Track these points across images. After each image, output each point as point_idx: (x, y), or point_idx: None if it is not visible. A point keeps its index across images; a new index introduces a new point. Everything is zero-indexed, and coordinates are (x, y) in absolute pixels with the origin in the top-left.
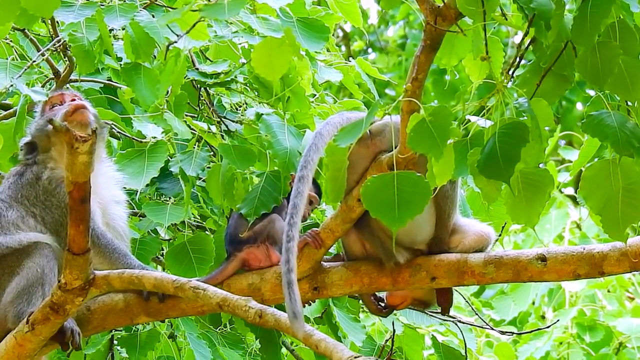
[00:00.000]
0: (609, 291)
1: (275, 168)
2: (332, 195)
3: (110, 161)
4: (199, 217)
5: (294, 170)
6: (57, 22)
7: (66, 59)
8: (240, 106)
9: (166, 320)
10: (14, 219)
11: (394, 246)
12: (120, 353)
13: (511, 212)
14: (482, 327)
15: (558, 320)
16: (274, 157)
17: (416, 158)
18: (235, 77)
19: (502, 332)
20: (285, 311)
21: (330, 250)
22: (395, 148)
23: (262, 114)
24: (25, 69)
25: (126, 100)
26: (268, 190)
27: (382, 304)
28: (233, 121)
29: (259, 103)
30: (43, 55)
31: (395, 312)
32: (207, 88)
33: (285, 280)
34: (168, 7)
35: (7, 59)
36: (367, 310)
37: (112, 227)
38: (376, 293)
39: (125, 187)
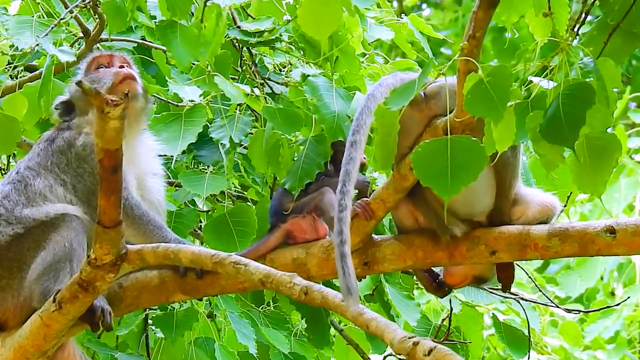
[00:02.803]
0: None
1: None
2: (381, 162)
3: (151, 133)
4: (239, 187)
5: (342, 136)
6: None
7: (96, 16)
8: (284, 67)
9: (204, 298)
10: (41, 189)
11: (445, 216)
12: (155, 333)
13: (577, 181)
14: (546, 305)
15: (628, 297)
16: (320, 121)
17: (474, 122)
18: (280, 35)
19: (568, 311)
20: (333, 288)
21: None
22: (451, 112)
23: (308, 75)
24: (52, 28)
25: (161, 62)
26: (310, 157)
27: (438, 281)
28: (277, 83)
29: (305, 63)
30: (71, 12)
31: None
32: (250, 48)
33: (338, 252)
34: None
35: (32, 16)
36: (423, 288)
37: (149, 200)
38: (433, 269)
39: (160, 155)
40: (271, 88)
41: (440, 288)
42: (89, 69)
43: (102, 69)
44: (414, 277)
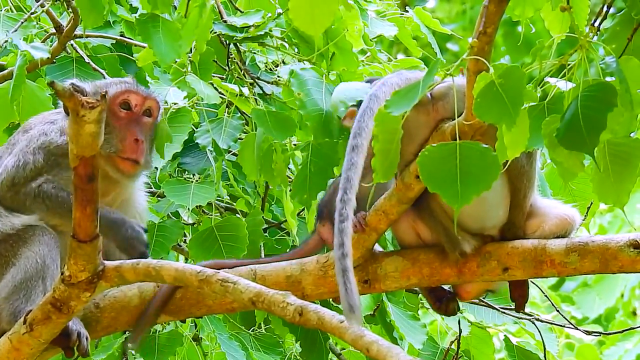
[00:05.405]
0: None
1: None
2: (382, 171)
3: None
4: (228, 198)
5: (330, 137)
6: None
7: (70, 10)
8: (276, 65)
9: (189, 319)
10: None
11: (455, 228)
12: (135, 358)
13: (597, 191)
14: (562, 326)
15: None
16: (306, 119)
17: (485, 126)
18: (271, 30)
19: (587, 332)
20: (330, 308)
21: None
22: (460, 114)
23: (297, 69)
24: (22, 22)
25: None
26: (318, 165)
27: (449, 295)
28: (269, 82)
29: (299, 61)
30: (43, 6)
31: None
32: (238, 44)
33: (339, 267)
34: None
35: (0, 10)
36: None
37: (127, 209)
38: (442, 287)
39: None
40: (262, 88)
41: (448, 306)
42: (115, 98)
43: (125, 114)
44: (419, 296)
